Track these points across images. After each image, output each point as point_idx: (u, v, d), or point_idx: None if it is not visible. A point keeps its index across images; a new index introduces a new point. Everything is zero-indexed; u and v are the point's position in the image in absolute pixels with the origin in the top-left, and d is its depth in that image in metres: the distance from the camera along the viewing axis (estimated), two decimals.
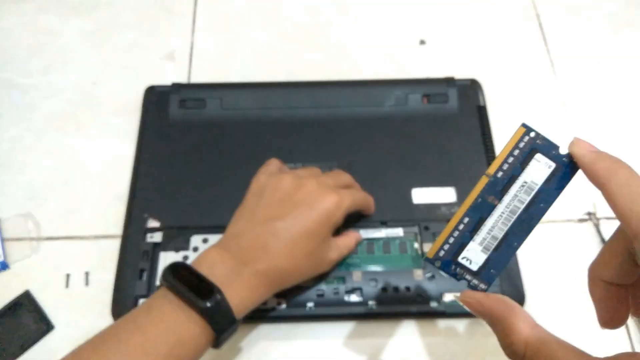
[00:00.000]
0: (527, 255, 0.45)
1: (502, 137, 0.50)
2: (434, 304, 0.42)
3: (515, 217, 0.28)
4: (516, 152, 0.28)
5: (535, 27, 0.59)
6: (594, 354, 0.23)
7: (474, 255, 0.28)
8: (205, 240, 0.45)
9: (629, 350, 0.43)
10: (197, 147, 0.49)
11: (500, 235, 0.28)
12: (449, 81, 0.52)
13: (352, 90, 0.52)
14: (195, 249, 0.44)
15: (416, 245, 0.45)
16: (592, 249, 0.46)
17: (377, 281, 0.43)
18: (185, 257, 0.44)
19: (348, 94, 0.52)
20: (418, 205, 0.46)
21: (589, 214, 0.48)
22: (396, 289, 0.43)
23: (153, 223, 0.46)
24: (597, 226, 0.47)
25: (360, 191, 0.44)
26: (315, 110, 0.51)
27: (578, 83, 0.55)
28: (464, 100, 0.51)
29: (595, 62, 0.56)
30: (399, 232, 0.45)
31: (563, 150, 0.27)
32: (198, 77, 0.55)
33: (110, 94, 0.54)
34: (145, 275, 0.43)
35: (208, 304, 0.33)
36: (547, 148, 0.28)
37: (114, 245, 0.46)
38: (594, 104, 0.54)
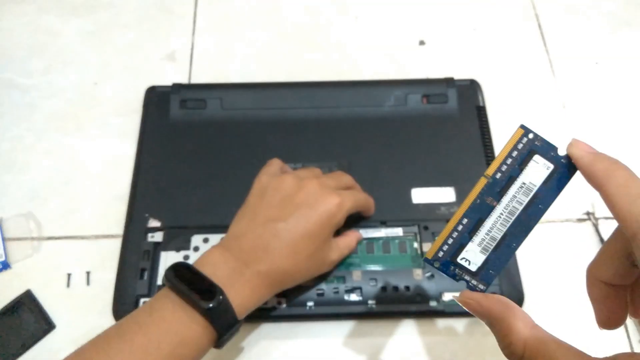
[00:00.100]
0: (526, 255, 0.45)
1: (501, 137, 0.50)
2: (433, 304, 0.42)
3: (513, 218, 0.28)
4: (515, 153, 0.28)
5: (535, 27, 0.59)
6: (593, 354, 0.23)
7: (472, 255, 0.28)
8: (206, 240, 0.45)
9: (628, 350, 0.43)
10: (198, 147, 0.49)
11: (499, 236, 0.28)
12: (449, 81, 0.52)
13: (352, 90, 0.52)
14: (196, 249, 0.44)
15: (415, 245, 0.45)
16: (591, 249, 0.46)
17: (376, 281, 0.43)
18: (186, 257, 0.44)
19: (348, 94, 0.52)
20: (417, 205, 0.47)
21: (588, 213, 0.48)
22: (396, 288, 0.43)
23: (154, 223, 0.46)
24: (596, 226, 0.47)
25: (361, 192, 0.44)
26: (315, 110, 0.51)
27: (577, 83, 0.55)
28: (464, 100, 0.51)
29: (594, 62, 0.56)
30: (398, 231, 0.45)
31: (561, 152, 0.28)
32: (198, 78, 0.56)
33: (110, 94, 0.54)
34: (146, 275, 0.44)
35: (210, 305, 0.33)
36: (546, 149, 0.28)
37: (115, 245, 0.46)
38: (593, 104, 0.54)
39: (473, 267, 0.29)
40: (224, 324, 0.34)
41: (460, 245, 0.29)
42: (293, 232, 0.37)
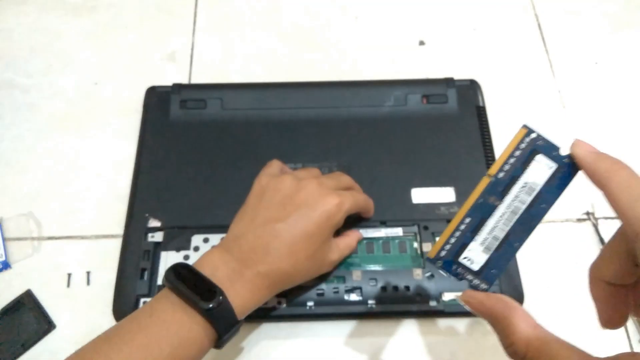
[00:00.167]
0: (526, 254, 0.45)
1: (501, 137, 0.50)
2: (433, 303, 0.42)
3: (516, 217, 0.28)
4: (517, 152, 0.28)
5: (534, 27, 0.59)
6: (593, 354, 0.23)
7: (475, 255, 0.29)
8: (206, 240, 0.45)
9: (628, 350, 0.43)
10: (198, 147, 0.49)
11: (501, 236, 0.28)
12: (448, 82, 0.52)
13: (351, 90, 0.52)
14: (196, 249, 0.44)
15: (415, 244, 0.45)
16: (591, 249, 0.46)
17: (376, 280, 0.43)
18: (186, 257, 0.44)
19: (348, 95, 0.52)
20: (417, 205, 0.47)
21: (588, 213, 0.48)
22: (396, 288, 0.43)
23: (154, 223, 0.46)
24: (595, 226, 0.47)
25: (360, 193, 0.44)
26: (315, 110, 0.51)
27: (576, 83, 0.55)
28: (463, 100, 0.51)
29: (594, 62, 0.57)
30: (398, 231, 0.45)
31: (564, 151, 0.28)
32: (199, 78, 0.56)
33: (111, 95, 0.54)
34: (146, 275, 0.44)
35: (210, 305, 0.33)
36: (548, 149, 0.28)
37: (115, 245, 0.46)
38: (593, 104, 0.54)
39: (475, 267, 0.29)
40: (224, 324, 0.34)
41: (462, 244, 0.29)
42: (292, 233, 0.37)
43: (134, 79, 0.55)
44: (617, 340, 0.43)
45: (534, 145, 0.28)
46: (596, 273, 0.28)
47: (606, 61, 0.57)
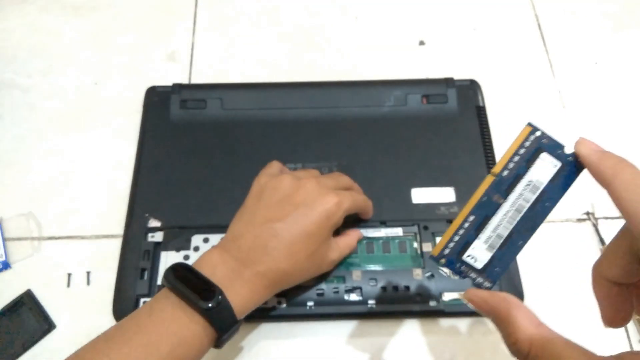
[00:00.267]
0: (526, 254, 0.45)
1: (501, 137, 0.50)
2: (433, 303, 0.42)
3: (520, 215, 0.28)
4: (522, 151, 0.28)
5: (535, 27, 0.59)
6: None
7: (478, 253, 0.29)
8: (206, 240, 0.45)
9: (627, 350, 0.43)
10: (198, 148, 0.49)
11: (505, 234, 0.28)
12: (448, 82, 0.52)
13: (351, 90, 0.52)
14: (196, 249, 0.44)
15: (415, 244, 0.45)
16: (591, 249, 0.46)
17: (376, 280, 0.43)
18: (186, 257, 0.44)
19: (348, 95, 0.52)
20: (417, 205, 0.47)
21: (588, 213, 0.48)
22: (395, 288, 0.43)
23: (154, 223, 0.46)
24: (595, 226, 0.47)
25: (360, 194, 0.44)
26: (315, 110, 0.51)
27: (576, 83, 0.55)
28: (463, 100, 0.51)
29: (594, 62, 0.57)
30: (398, 231, 0.45)
31: (568, 150, 0.28)
32: (199, 78, 0.56)
33: (111, 95, 0.55)
34: (146, 275, 0.44)
35: (210, 305, 0.33)
36: (553, 147, 0.28)
37: (115, 245, 0.46)
38: (593, 104, 0.54)
39: (479, 265, 0.29)
40: (224, 323, 0.34)
41: (466, 242, 0.29)
42: (291, 232, 0.37)
43: (134, 79, 0.55)
44: (617, 340, 0.43)
45: (538, 144, 0.28)
46: (599, 272, 0.28)
47: (606, 61, 0.57)
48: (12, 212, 0.48)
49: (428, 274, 0.43)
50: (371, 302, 0.42)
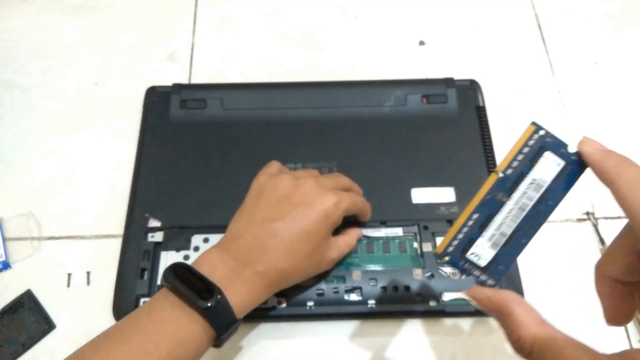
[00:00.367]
0: (526, 254, 0.45)
1: (501, 137, 0.50)
2: (433, 303, 0.42)
3: (524, 214, 0.28)
4: (526, 149, 0.28)
5: (535, 27, 0.59)
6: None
7: (482, 251, 0.29)
8: (206, 240, 0.45)
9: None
10: (198, 147, 0.49)
11: (509, 232, 0.28)
12: (448, 82, 0.52)
13: (351, 90, 0.52)
14: (196, 249, 0.44)
15: (415, 244, 0.45)
16: (591, 249, 0.46)
17: (376, 280, 0.43)
18: (186, 257, 0.44)
19: (348, 95, 0.52)
20: (417, 205, 0.47)
21: (588, 213, 0.48)
22: (395, 288, 0.43)
23: (154, 223, 0.46)
24: (595, 226, 0.47)
25: (359, 195, 0.44)
26: (315, 110, 0.51)
27: (576, 83, 0.55)
28: (463, 100, 0.51)
29: (594, 62, 0.57)
30: (398, 231, 0.45)
31: (572, 149, 0.28)
32: (199, 78, 0.56)
33: (111, 95, 0.55)
34: (146, 275, 0.44)
35: (209, 304, 0.33)
36: (556, 146, 0.28)
37: (115, 245, 0.46)
38: (593, 104, 0.54)
39: (482, 262, 0.29)
40: (223, 323, 0.34)
41: (470, 240, 0.29)
42: (291, 232, 0.37)
43: (134, 78, 0.55)
44: (617, 339, 0.43)
45: (542, 142, 0.28)
46: (602, 270, 0.28)
47: (606, 61, 0.57)
48: (12, 212, 0.48)
49: (428, 274, 0.43)
50: (371, 302, 0.42)
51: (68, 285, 0.45)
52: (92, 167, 0.51)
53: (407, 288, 0.43)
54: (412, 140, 0.50)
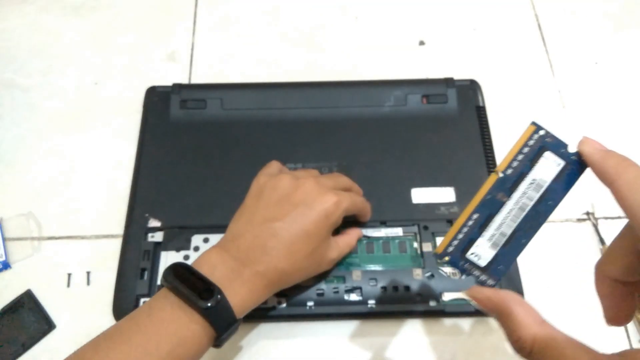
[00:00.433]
0: (526, 254, 0.45)
1: (501, 137, 0.50)
2: (433, 303, 0.42)
3: (524, 214, 0.28)
4: (526, 149, 0.28)
5: (535, 27, 0.59)
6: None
7: (482, 251, 0.29)
8: (206, 240, 0.45)
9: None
10: (198, 147, 0.49)
11: (509, 232, 0.28)
12: (448, 82, 0.52)
13: (351, 90, 0.52)
14: (196, 249, 0.44)
15: (415, 244, 0.45)
16: (591, 249, 0.46)
17: (376, 280, 0.43)
18: (186, 257, 0.44)
19: (348, 95, 0.52)
20: (417, 205, 0.47)
21: (588, 213, 0.48)
22: (395, 288, 0.43)
23: (154, 223, 0.46)
24: (595, 226, 0.47)
25: (359, 195, 0.44)
26: (315, 110, 0.51)
27: (576, 83, 0.55)
28: (463, 100, 0.51)
29: (594, 62, 0.57)
30: (398, 231, 0.45)
31: (572, 149, 0.28)
32: (199, 78, 0.56)
33: (111, 95, 0.55)
34: (146, 275, 0.44)
35: (209, 304, 0.33)
36: (556, 146, 0.28)
37: (115, 245, 0.46)
38: (593, 104, 0.54)
39: (482, 262, 0.29)
40: (223, 323, 0.34)
41: (470, 240, 0.29)
42: (291, 232, 0.37)
43: (134, 78, 0.55)
44: (617, 339, 0.43)
45: (542, 142, 0.28)
46: (602, 270, 0.28)
47: (606, 61, 0.57)
48: (12, 212, 0.48)
49: (428, 274, 0.43)
50: (371, 302, 0.42)
51: (68, 285, 0.45)
52: (92, 167, 0.51)
53: (407, 288, 0.43)
54: (412, 140, 0.50)
